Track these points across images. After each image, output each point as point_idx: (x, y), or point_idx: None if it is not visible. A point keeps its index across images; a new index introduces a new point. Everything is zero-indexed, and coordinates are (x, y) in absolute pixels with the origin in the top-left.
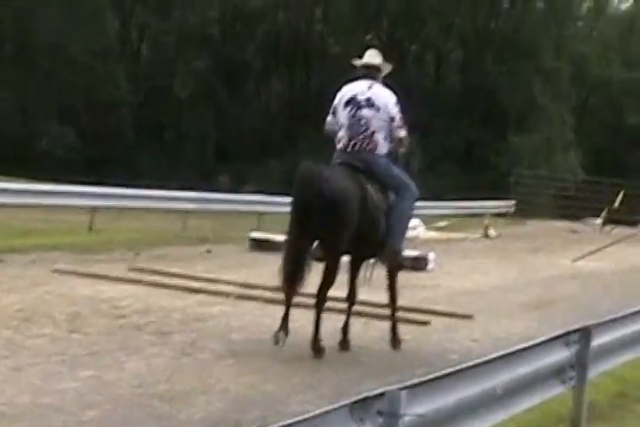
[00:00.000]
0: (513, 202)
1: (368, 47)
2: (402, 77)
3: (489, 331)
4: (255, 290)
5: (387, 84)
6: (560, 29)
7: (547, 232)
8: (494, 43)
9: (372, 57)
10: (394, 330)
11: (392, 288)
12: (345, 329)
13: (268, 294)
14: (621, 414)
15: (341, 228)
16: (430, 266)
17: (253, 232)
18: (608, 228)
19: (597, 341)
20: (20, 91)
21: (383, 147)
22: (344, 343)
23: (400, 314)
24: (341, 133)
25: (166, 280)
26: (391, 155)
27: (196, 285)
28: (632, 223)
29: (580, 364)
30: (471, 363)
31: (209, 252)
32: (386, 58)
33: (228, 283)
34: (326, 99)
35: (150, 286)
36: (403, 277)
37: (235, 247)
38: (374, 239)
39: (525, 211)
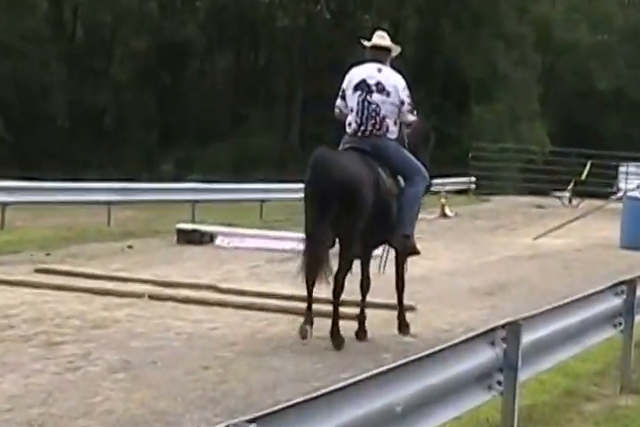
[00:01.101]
0: (473, 178)
1: (376, 29)
2: (355, 50)
3: (431, 323)
4: (173, 289)
5: (395, 68)
6: None
7: (509, 209)
8: (451, 8)
9: (381, 38)
10: (400, 316)
11: (400, 274)
12: (360, 318)
13: (185, 293)
14: (568, 417)
15: (358, 214)
16: (375, 252)
17: (180, 223)
18: (575, 201)
19: (530, 336)
20: None
21: (393, 131)
22: (361, 333)
23: (327, 309)
24: (351, 118)
25: (73, 282)
26: (400, 139)
27: (106, 285)
28: (601, 196)
29: (508, 365)
30: (375, 371)
31: (130, 247)
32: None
33: (144, 282)
34: (274, 74)
35: (53, 290)
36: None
37: (160, 241)
38: (386, 224)
39: (488, 187)
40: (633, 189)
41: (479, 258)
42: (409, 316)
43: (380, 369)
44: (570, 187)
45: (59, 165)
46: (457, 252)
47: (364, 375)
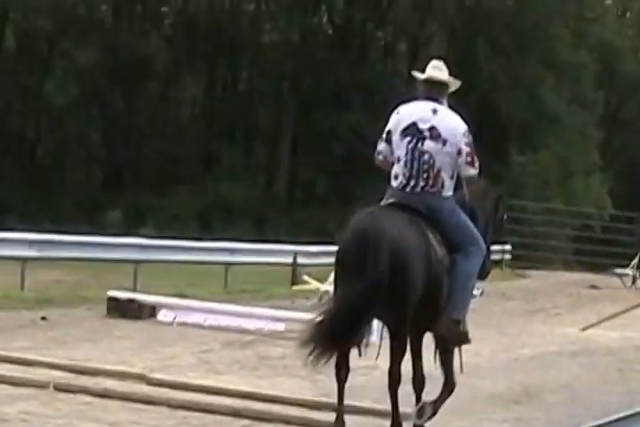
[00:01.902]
0: (508, 246)
1: (432, 58)
2: (365, 75)
3: None
4: (90, 377)
5: (452, 107)
6: (579, 9)
7: (553, 288)
8: (490, 27)
9: (438, 70)
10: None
11: (447, 364)
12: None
13: (106, 384)
14: None
15: (408, 296)
16: (372, 337)
17: (113, 290)
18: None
19: None
20: None
21: (449, 188)
22: None
23: (293, 413)
24: (399, 169)
25: None
26: (459, 199)
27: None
28: None
29: None
30: None
31: (44, 319)
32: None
33: (53, 366)
34: (257, 103)
35: None
36: None
37: (86, 313)
38: (436, 305)
39: (527, 259)
40: None
41: (507, 352)
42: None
43: None
44: (635, 262)
45: None
46: (478, 342)
47: None
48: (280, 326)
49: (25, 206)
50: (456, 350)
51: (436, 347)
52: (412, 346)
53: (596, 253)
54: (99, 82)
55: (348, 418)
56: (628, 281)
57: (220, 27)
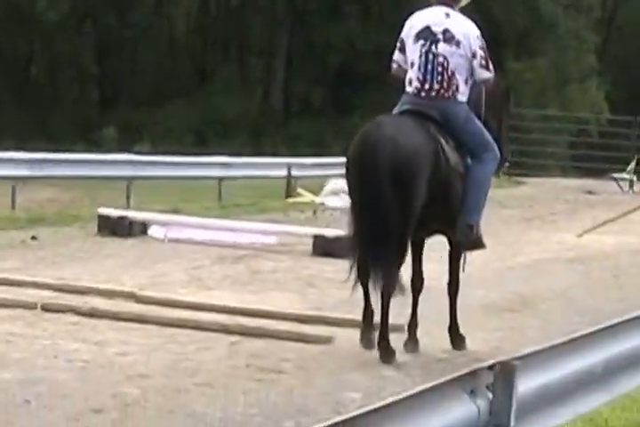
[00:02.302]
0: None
1: None
2: None
3: (425, 350)
4: (78, 296)
5: (467, 15)
6: None
7: (550, 195)
8: None
9: None
10: (453, 329)
11: (454, 267)
12: (411, 325)
13: (93, 303)
14: None
15: (411, 201)
16: None
17: (104, 208)
18: (638, 186)
19: (531, 382)
20: None
21: (464, 92)
22: (412, 345)
23: (286, 327)
24: (412, 74)
25: None
26: (476, 103)
27: None
28: None
29: (495, 425)
30: None
31: (34, 239)
32: None
33: (40, 286)
34: (251, 17)
35: None
36: (314, 267)
37: (77, 231)
38: (448, 211)
39: (525, 165)
40: None
41: (502, 261)
42: (396, 338)
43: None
44: (631, 167)
45: None
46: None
47: None
48: (272, 240)
49: (20, 126)
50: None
51: (451, 253)
52: (413, 250)
53: (594, 158)
54: None
55: (347, 330)
56: (626, 185)
57: None
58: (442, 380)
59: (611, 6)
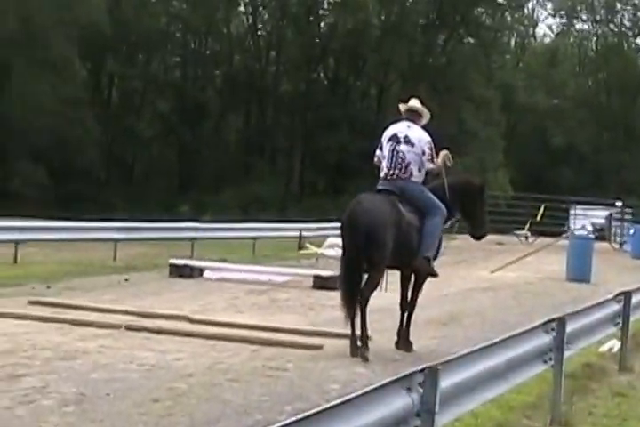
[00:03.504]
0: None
1: (411, 97)
2: (349, 111)
3: (384, 353)
4: (150, 319)
5: (424, 128)
6: (489, 62)
7: (472, 246)
8: (429, 75)
9: (416, 103)
10: (407, 332)
11: (415, 291)
12: (400, 332)
13: (159, 323)
14: None
15: (381, 247)
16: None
17: (173, 258)
18: (531, 239)
19: (451, 379)
20: None
21: (417, 176)
22: (404, 345)
23: (291, 338)
24: (383, 164)
25: (60, 313)
26: (424, 182)
27: (89, 317)
28: (555, 234)
29: (426, 411)
30: (286, 421)
31: (127, 280)
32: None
33: (126, 313)
34: (277, 132)
35: (39, 321)
36: (314, 296)
37: (155, 275)
38: (410, 252)
39: (457, 227)
40: (579, 229)
41: (439, 290)
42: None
43: (292, 419)
44: (527, 226)
45: (92, 208)
46: None
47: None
48: (286, 278)
49: (126, 204)
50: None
51: (414, 281)
52: (401, 281)
53: (502, 221)
54: (173, 121)
55: (334, 340)
56: (523, 239)
57: (252, 81)
58: (386, 380)
59: (512, 122)
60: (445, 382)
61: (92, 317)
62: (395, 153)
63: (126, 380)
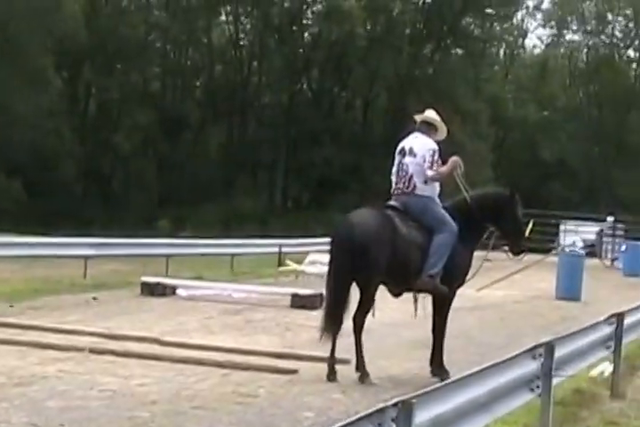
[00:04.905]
0: None
1: (426, 108)
2: (333, 124)
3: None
4: (117, 341)
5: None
6: (477, 73)
7: None
8: (416, 87)
9: (432, 114)
10: (437, 358)
11: (437, 315)
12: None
13: (127, 346)
14: None
15: (371, 266)
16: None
17: (145, 276)
18: (520, 255)
19: (427, 413)
20: None
21: (422, 188)
22: (436, 372)
23: (264, 362)
24: (392, 178)
25: (19, 335)
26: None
27: (49, 339)
28: (545, 250)
29: None
30: None
31: (95, 299)
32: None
33: (91, 334)
34: (260, 145)
35: None
36: (292, 316)
37: (126, 293)
38: (409, 271)
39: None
40: (569, 245)
41: (423, 310)
42: (341, 369)
43: None
44: None
45: (70, 223)
46: (404, 304)
47: None
48: (263, 297)
49: (104, 219)
50: (411, 303)
51: (433, 304)
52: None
53: (490, 238)
54: (152, 133)
55: (311, 364)
56: (511, 254)
57: (233, 94)
58: (355, 417)
59: (501, 136)
60: (420, 417)
61: (54, 338)
62: (400, 166)
63: (84, 408)
